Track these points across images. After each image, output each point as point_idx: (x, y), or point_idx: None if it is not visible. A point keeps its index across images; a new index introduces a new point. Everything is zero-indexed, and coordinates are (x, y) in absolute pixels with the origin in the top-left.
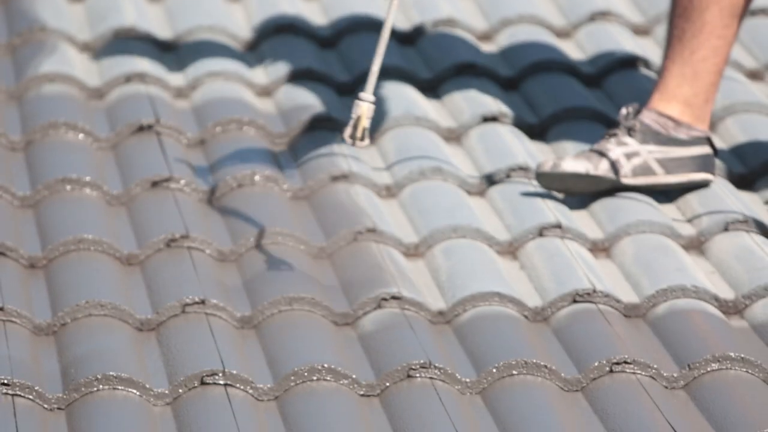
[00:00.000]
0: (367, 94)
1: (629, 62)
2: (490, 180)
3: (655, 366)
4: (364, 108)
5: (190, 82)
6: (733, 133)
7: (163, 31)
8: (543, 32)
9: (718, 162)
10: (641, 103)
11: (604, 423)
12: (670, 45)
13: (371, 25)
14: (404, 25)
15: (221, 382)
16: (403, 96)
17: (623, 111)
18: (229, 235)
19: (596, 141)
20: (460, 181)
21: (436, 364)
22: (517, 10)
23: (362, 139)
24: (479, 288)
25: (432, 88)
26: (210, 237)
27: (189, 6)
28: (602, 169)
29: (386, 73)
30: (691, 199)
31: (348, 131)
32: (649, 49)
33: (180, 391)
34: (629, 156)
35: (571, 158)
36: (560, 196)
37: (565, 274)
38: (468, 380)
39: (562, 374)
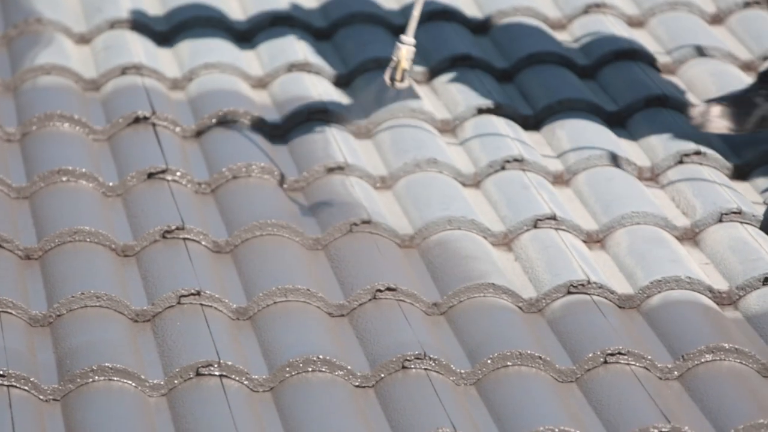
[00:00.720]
0: (408, 37)
1: (624, 54)
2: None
3: (650, 357)
4: (403, 51)
5: (185, 74)
6: None
7: (158, 23)
8: (538, 24)
9: (712, 154)
10: (635, 95)
11: (598, 413)
12: None
13: (366, 18)
14: (399, 16)
15: (216, 373)
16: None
17: None
18: (225, 227)
19: (591, 132)
20: (455, 173)
21: (431, 355)
22: (512, 1)
23: (402, 80)
24: (474, 279)
25: (427, 80)
26: (205, 228)
27: None
28: (746, 129)
29: (381, 65)
30: (686, 190)
31: (388, 73)
32: (644, 41)
33: (175, 382)
34: None
35: (718, 114)
36: (554, 188)
37: (560, 266)
38: (463, 371)
39: (557, 365)
